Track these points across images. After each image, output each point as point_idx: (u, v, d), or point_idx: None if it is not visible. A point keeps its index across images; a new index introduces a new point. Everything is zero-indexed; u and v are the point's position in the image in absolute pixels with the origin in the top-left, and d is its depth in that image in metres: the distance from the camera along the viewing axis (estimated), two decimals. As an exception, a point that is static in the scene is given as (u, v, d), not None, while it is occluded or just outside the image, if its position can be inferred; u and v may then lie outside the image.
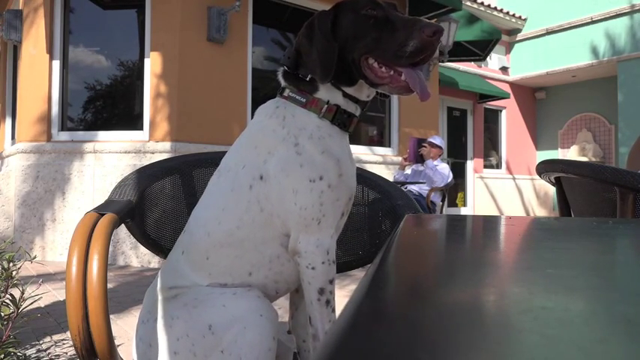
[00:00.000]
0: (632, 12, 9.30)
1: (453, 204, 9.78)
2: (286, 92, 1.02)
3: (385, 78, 0.94)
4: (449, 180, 5.13)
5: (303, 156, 0.95)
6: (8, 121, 6.14)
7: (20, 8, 4.98)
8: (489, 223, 0.88)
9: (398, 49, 0.88)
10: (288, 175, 0.94)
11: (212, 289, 0.96)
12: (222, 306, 0.92)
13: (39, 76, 4.83)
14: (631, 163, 1.88)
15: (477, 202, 10.08)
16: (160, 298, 0.98)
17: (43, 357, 2.10)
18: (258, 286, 0.99)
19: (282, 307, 2.49)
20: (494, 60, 10.64)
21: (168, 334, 0.92)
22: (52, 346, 2.25)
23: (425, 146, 5.22)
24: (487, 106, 10.49)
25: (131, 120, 4.93)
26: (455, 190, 9.74)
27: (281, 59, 1.05)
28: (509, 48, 11.01)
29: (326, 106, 0.99)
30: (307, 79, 1.00)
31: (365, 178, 1.38)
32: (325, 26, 0.95)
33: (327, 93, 1.00)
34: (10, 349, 1.67)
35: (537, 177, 1.79)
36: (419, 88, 0.90)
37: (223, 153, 1.09)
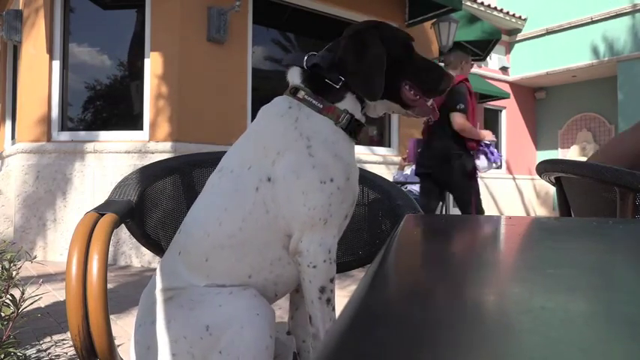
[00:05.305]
0: (632, 12, 9.29)
1: (453, 204, 9.77)
2: (301, 94, 1.01)
3: (415, 101, 1.07)
4: (449, 180, 5.11)
5: (315, 158, 0.96)
6: (8, 121, 6.14)
7: (20, 8, 4.98)
8: (489, 223, 0.88)
9: (435, 85, 1.06)
10: (298, 177, 0.95)
11: (208, 289, 0.95)
12: (218, 306, 0.92)
13: (39, 76, 4.83)
14: (604, 154, 1.78)
15: (477, 202, 10.06)
16: (156, 300, 0.97)
17: (43, 357, 2.10)
18: (258, 288, 0.98)
19: (282, 307, 2.49)
20: (494, 60, 10.63)
21: (166, 337, 0.91)
22: (52, 346, 2.24)
23: (425, 146, 5.20)
24: (487, 106, 10.48)
25: (131, 120, 4.93)
26: (455, 190, 9.72)
27: (306, 58, 1.03)
28: (509, 48, 11.00)
29: (347, 115, 1.00)
30: (337, 86, 1.00)
31: (365, 178, 1.38)
32: (379, 49, 1.00)
33: (350, 104, 1.02)
34: (10, 349, 1.67)
35: (537, 177, 1.78)
36: (436, 113, 1.11)
37: (224, 153, 1.08)
